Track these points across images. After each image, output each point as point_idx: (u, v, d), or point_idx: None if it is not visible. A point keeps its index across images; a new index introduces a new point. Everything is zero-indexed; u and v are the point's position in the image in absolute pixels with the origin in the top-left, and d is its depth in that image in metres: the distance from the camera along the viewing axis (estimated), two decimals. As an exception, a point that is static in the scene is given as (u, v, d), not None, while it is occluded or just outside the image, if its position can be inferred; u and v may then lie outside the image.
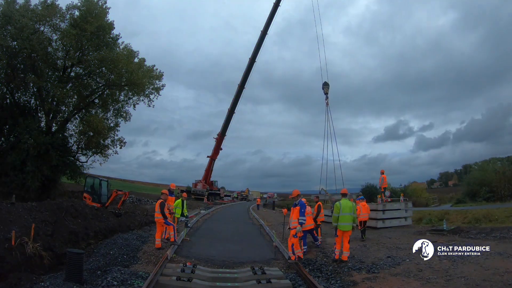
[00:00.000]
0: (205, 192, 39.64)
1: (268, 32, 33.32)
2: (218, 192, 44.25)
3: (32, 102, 22.87)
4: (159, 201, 9.43)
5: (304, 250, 9.08)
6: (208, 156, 39.57)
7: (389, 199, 16.79)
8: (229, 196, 53.11)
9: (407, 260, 7.64)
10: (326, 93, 19.40)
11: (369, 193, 31.49)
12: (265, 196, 74.23)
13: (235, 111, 36.97)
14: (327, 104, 18.79)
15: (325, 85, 19.44)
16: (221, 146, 39.12)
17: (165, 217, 9.26)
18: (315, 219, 10.50)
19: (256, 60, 34.77)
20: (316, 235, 10.23)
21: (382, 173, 15.98)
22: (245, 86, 36.01)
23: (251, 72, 35.35)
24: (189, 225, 13.93)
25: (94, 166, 25.09)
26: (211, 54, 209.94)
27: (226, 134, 38.23)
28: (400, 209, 15.99)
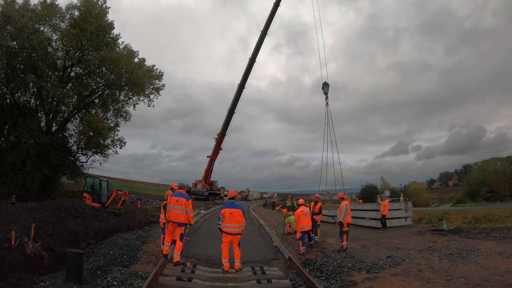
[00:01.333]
0: (205, 192, 39.64)
1: (268, 32, 33.40)
2: (218, 192, 44.23)
3: (32, 102, 22.85)
4: (164, 202, 9.27)
5: (303, 250, 9.14)
6: (208, 156, 39.57)
7: (389, 199, 16.79)
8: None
9: (407, 260, 7.65)
10: (326, 93, 19.43)
11: (369, 193, 31.54)
12: (265, 196, 74.26)
13: (235, 111, 36.96)
14: (327, 104, 18.80)
15: (325, 85, 19.48)
16: (221, 146, 39.09)
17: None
18: (313, 217, 10.50)
19: (256, 60, 34.79)
20: (312, 234, 10.22)
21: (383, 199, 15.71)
22: (245, 86, 36.03)
23: (251, 72, 35.45)
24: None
25: (94, 166, 25.13)
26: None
27: (226, 134, 38.21)
28: (400, 209, 16.00)
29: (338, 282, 6.38)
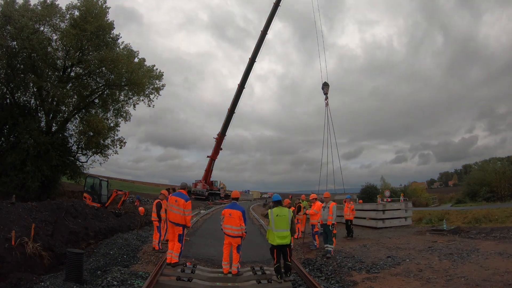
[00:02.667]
0: (205, 192, 39.62)
1: (268, 32, 33.37)
2: (218, 192, 44.21)
3: (32, 102, 22.82)
4: (156, 201, 9.32)
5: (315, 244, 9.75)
6: (208, 156, 39.53)
7: (389, 199, 16.79)
8: (229, 196, 52.98)
9: (407, 260, 7.65)
10: (325, 94, 19.43)
11: (369, 193, 31.56)
12: (265, 196, 74.23)
13: (235, 111, 36.94)
14: (326, 104, 18.78)
15: (325, 86, 19.47)
16: (221, 146, 39.04)
17: (160, 218, 9.06)
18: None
19: (256, 60, 34.77)
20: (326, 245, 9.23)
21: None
22: (245, 86, 36.05)
23: (251, 72, 35.49)
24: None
25: (94, 166, 25.12)
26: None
27: (226, 134, 38.17)
28: (400, 209, 16.00)
29: (338, 282, 6.38)
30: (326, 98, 18.89)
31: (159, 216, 9.05)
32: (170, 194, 9.64)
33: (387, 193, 22.03)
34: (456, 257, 7.54)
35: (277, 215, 6.16)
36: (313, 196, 10.33)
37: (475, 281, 5.68)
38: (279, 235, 6.06)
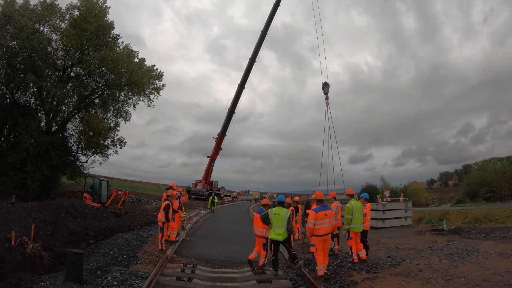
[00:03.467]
0: (205, 192, 39.61)
1: (268, 32, 33.38)
2: (218, 192, 44.20)
3: (32, 102, 22.84)
4: (166, 202, 9.21)
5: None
6: (208, 156, 39.53)
7: (389, 199, 16.77)
8: (229, 196, 53.08)
9: (407, 260, 7.64)
10: (326, 93, 19.33)
11: (369, 193, 31.53)
12: (265, 196, 74.11)
13: (235, 111, 36.98)
14: (327, 104, 18.69)
15: (325, 85, 19.35)
16: (221, 146, 39.04)
17: (167, 220, 9.09)
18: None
19: (256, 60, 34.81)
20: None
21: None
22: (245, 86, 36.12)
23: (251, 72, 35.55)
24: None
25: (94, 166, 25.13)
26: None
27: (226, 134, 38.17)
28: (400, 209, 15.99)
29: (338, 282, 6.38)
30: (326, 98, 18.77)
31: (167, 218, 9.04)
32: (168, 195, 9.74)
33: (387, 193, 22.02)
34: (456, 257, 7.54)
35: (275, 214, 6.75)
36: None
37: (475, 281, 5.68)
38: (275, 232, 6.73)
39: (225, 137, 38.33)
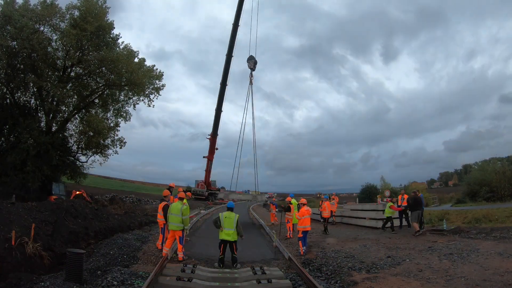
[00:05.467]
0: (205, 192, 39.63)
1: (239, 24, 30.03)
2: (218, 192, 44.16)
3: (32, 102, 22.85)
4: (163, 203, 9.19)
5: (304, 250, 9.14)
6: (204, 157, 39.27)
7: (389, 199, 16.73)
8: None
9: (407, 260, 7.65)
10: (251, 69, 17.29)
11: (369, 193, 31.58)
12: (265, 196, 74.00)
13: (222, 110, 35.49)
14: (250, 82, 16.49)
15: (250, 59, 17.28)
16: (216, 146, 38.50)
17: (167, 220, 9.05)
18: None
19: (233, 54, 31.95)
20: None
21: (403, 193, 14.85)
22: (227, 83, 33.88)
23: (230, 68, 32.64)
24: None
25: (94, 166, 25.14)
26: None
27: (218, 133, 37.44)
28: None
29: (338, 282, 6.39)
30: (251, 76, 16.78)
31: (166, 218, 8.94)
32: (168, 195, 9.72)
33: (387, 193, 22.03)
34: (456, 257, 7.54)
35: (225, 217, 7.93)
36: (303, 201, 9.96)
37: (475, 281, 5.68)
38: (226, 233, 7.86)
39: (217, 136, 37.56)
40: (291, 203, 12.59)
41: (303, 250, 9.16)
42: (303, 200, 9.98)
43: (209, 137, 37.78)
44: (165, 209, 8.88)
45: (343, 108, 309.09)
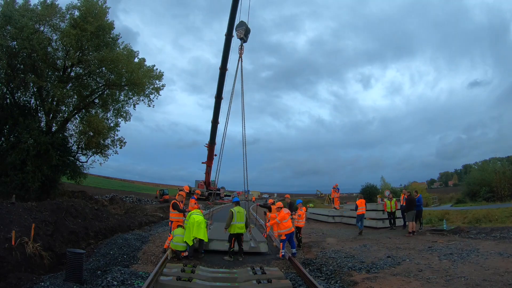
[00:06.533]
0: (205, 192, 39.75)
1: (233, 34, 28.02)
2: (218, 192, 44.22)
3: (32, 102, 22.85)
4: (172, 201, 9.38)
5: (282, 253, 8.75)
6: (203, 162, 39.32)
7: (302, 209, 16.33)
8: (230, 196, 53.09)
9: (407, 260, 7.65)
10: (241, 39, 13.77)
11: (369, 193, 31.54)
12: (265, 196, 74.22)
13: (218, 121, 34.61)
14: (240, 57, 13.30)
15: (241, 26, 13.79)
16: (215, 153, 38.28)
17: (183, 211, 9.18)
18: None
19: (227, 67, 29.27)
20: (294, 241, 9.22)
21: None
22: (222, 97, 31.42)
23: (225, 81, 30.12)
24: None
25: (94, 166, 25.13)
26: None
27: (215, 142, 37.06)
28: (400, 209, 15.94)
29: (338, 282, 6.39)
30: (241, 48, 13.61)
31: (179, 210, 9.17)
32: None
33: (387, 193, 21.98)
34: (456, 257, 7.54)
35: (238, 212, 8.53)
36: (280, 204, 9.51)
37: (475, 281, 5.68)
38: (238, 226, 8.40)
39: (215, 145, 37.18)
40: (273, 204, 12.35)
41: (282, 253, 8.67)
42: (279, 204, 9.52)
43: (207, 144, 37.65)
44: (174, 205, 9.15)
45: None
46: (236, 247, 8.61)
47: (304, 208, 10.66)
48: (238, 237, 8.56)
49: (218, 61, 30.09)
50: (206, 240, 8.58)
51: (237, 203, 8.94)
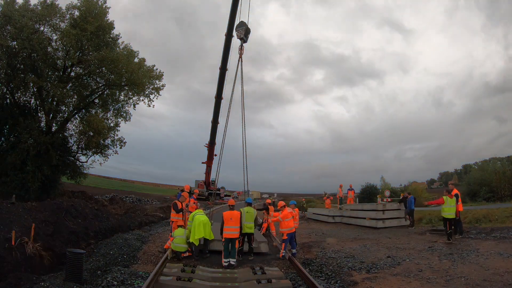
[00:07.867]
0: (205, 192, 39.72)
1: (233, 34, 27.51)
2: (218, 192, 44.18)
3: (32, 102, 22.80)
4: (175, 201, 9.63)
5: (283, 253, 8.73)
6: (203, 162, 39.23)
7: (389, 199, 16.73)
8: (229, 196, 53.07)
9: (407, 260, 7.65)
10: (241, 39, 13.71)
11: (369, 193, 31.50)
12: (264, 196, 74.23)
13: (218, 121, 34.23)
14: (240, 57, 13.06)
15: (241, 27, 13.57)
16: (215, 153, 38.21)
17: (181, 211, 9.35)
18: None
19: (227, 68, 28.37)
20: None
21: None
22: (222, 97, 32.41)
23: (225, 82, 28.69)
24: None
25: (94, 166, 25.11)
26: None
27: (215, 142, 36.87)
28: (400, 209, 15.97)
29: (338, 282, 6.39)
30: (241, 48, 13.40)
31: (178, 211, 9.37)
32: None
33: (387, 193, 21.99)
34: (456, 257, 7.54)
35: (247, 212, 8.77)
36: (282, 203, 9.59)
37: (475, 281, 5.68)
38: (247, 226, 8.60)
39: (215, 145, 37.05)
40: (270, 205, 12.42)
41: (283, 253, 8.64)
42: (282, 203, 9.57)
43: (207, 144, 37.60)
44: (174, 206, 9.41)
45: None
46: (246, 247, 8.82)
47: (296, 209, 10.38)
48: (248, 237, 8.78)
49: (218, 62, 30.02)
50: (212, 237, 8.75)
51: (249, 204, 9.22)
